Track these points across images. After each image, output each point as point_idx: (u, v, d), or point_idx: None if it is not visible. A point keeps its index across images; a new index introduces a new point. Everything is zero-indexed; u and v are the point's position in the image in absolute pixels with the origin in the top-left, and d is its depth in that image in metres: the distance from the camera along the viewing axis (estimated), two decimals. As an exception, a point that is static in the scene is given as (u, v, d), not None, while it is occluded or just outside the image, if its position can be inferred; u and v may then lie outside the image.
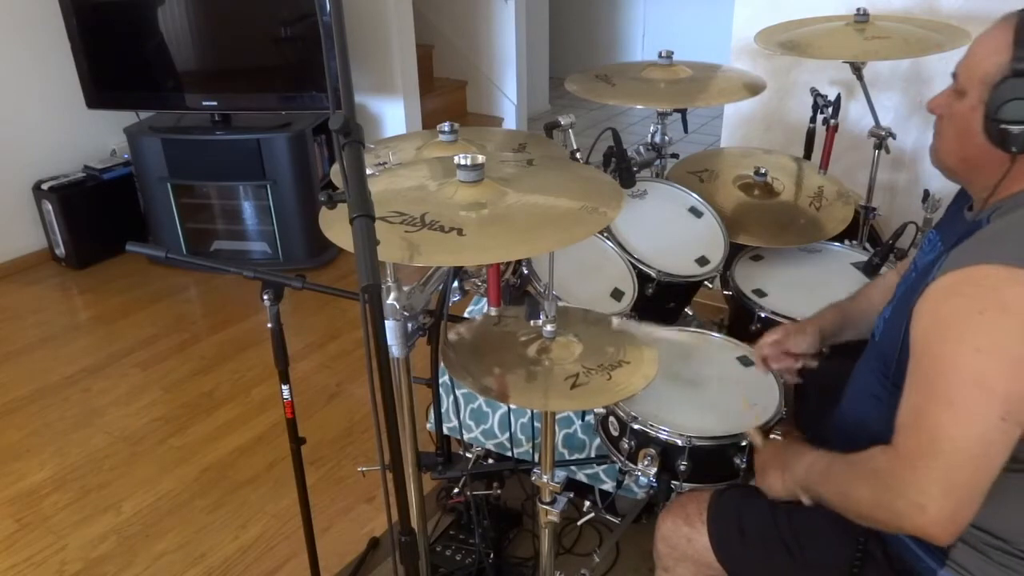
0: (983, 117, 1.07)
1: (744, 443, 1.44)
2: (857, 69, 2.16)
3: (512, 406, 1.88)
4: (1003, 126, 1.05)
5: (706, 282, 1.97)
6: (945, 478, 0.99)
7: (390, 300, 1.19)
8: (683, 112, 2.25)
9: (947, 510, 0.99)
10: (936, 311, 1.04)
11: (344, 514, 2.20)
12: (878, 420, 1.20)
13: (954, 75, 1.13)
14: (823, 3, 2.43)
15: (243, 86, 3.40)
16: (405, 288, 1.22)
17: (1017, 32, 1.04)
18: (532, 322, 1.37)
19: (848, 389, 1.35)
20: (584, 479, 1.90)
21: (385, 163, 1.57)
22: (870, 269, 1.95)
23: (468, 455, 2.02)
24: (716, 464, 1.46)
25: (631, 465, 1.50)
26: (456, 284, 1.42)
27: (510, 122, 5.16)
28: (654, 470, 1.46)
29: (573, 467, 1.88)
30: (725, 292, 2.01)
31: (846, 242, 2.09)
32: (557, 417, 1.53)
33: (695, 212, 2.02)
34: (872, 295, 1.52)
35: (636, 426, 1.47)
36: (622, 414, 1.49)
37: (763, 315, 1.82)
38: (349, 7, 3.77)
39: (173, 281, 3.50)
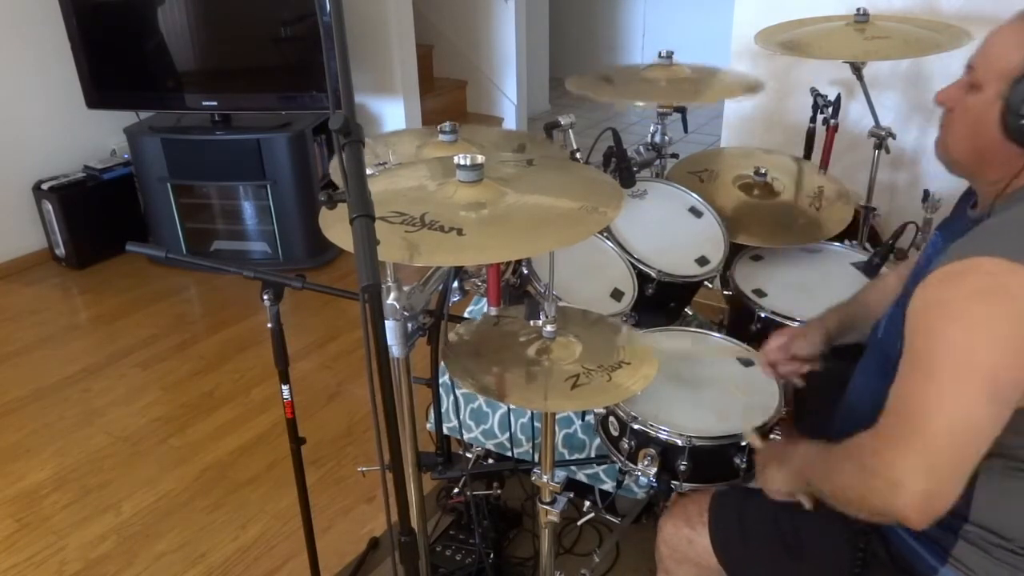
0: (1001, 112, 1.05)
1: (744, 443, 1.44)
2: (857, 69, 2.16)
3: (512, 406, 1.89)
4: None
5: (706, 282, 1.97)
6: (924, 457, 0.97)
7: (390, 300, 1.19)
8: (683, 112, 2.25)
9: (923, 490, 0.96)
10: (932, 295, 1.03)
11: (344, 514, 2.20)
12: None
13: (969, 67, 1.11)
14: (823, 3, 2.43)
15: (243, 86, 3.40)
16: (405, 288, 1.22)
17: None
18: (532, 322, 1.37)
19: (850, 388, 1.35)
20: (584, 479, 1.90)
21: (385, 163, 1.57)
22: (870, 269, 1.95)
23: (468, 455, 2.02)
24: (716, 464, 1.46)
25: (631, 465, 1.50)
26: (456, 284, 1.42)
27: (510, 122, 5.16)
28: (654, 470, 1.46)
29: (573, 467, 1.88)
30: (725, 292, 2.01)
31: (846, 242, 2.08)
32: (557, 417, 1.53)
33: (695, 212, 2.02)
34: (870, 297, 1.52)
35: (636, 426, 1.47)
36: (622, 414, 1.49)
37: (763, 315, 1.82)
38: (349, 7, 3.76)
39: (173, 281, 3.50)
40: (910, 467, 0.97)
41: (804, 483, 1.20)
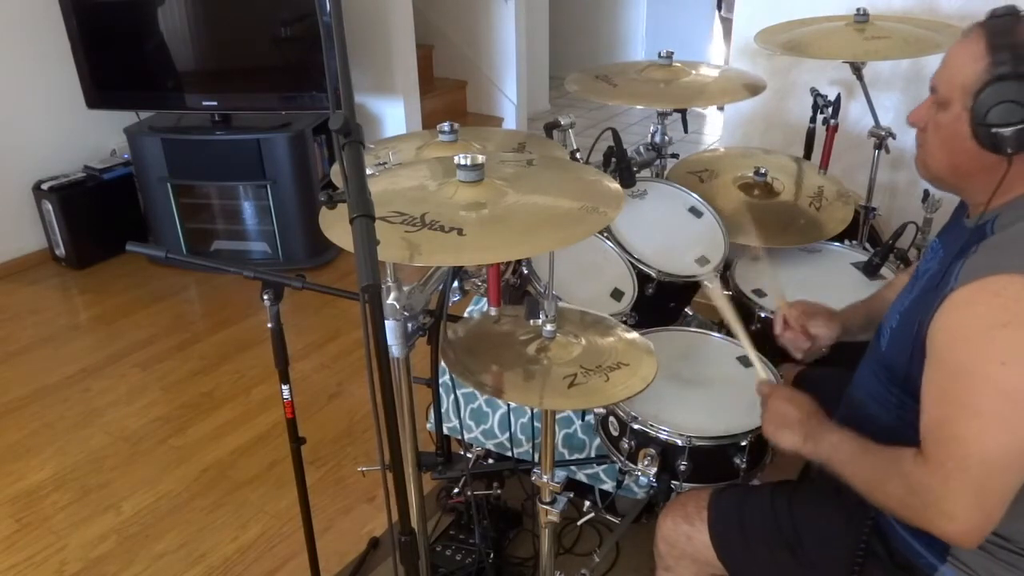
0: (971, 123, 1.09)
1: (744, 443, 1.44)
2: (857, 69, 2.16)
3: (512, 405, 1.89)
4: (994, 130, 1.06)
5: (706, 282, 1.96)
6: (975, 490, 1.01)
7: (390, 300, 1.19)
8: (683, 112, 2.25)
9: (976, 520, 1.01)
10: (956, 325, 1.05)
11: (344, 514, 2.20)
12: (884, 419, 1.21)
13: (933, 87, 1.15)
14: (823, 3, 2.43)
15: (243, 86, 3.40)
16: (405, 288, 1.22)
17: (989, 39, 1.07)
18: (531, 321, 1.37)
19: (850, 389, 1.35)
20: (584, 479, 1.90)
21: (385, 163, 1.57)
22: (870, 269, 1.95)
23: (468, 455, 2.02)
24: (716, 464, 1.46)
25: (631, 465, 1.50)
26: (456, 284, 1.42)
27: (510, 122, 5.16)
28: (654, 470, 1.46)
29: (573, 467, 1.88)
30: (725, 292, 2.01)
31: (846, 242, 2.09)
32: (557, 417, 1.53)
33: (695, 212, 2.02)
34: (890, 298, 1.52)
35: (636, 426, 1.47)
36: (622, 414, 1.49)
37: (763, 315, 1.82)
38: (349, 7, 3.77)
39: (173, 281, 3.50)
40: (963, 502, 1.01)
41: (819, 460, 1.21)
